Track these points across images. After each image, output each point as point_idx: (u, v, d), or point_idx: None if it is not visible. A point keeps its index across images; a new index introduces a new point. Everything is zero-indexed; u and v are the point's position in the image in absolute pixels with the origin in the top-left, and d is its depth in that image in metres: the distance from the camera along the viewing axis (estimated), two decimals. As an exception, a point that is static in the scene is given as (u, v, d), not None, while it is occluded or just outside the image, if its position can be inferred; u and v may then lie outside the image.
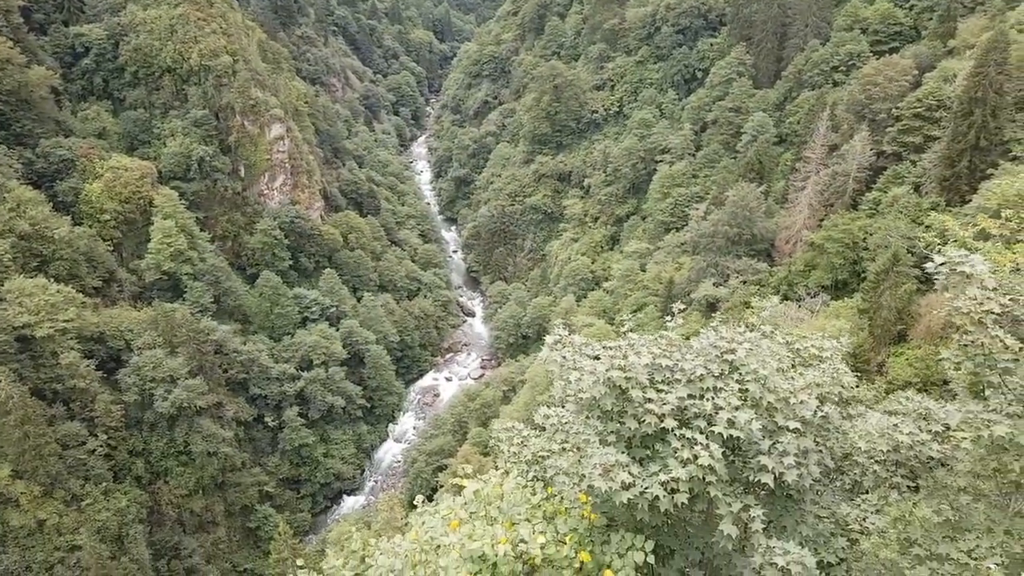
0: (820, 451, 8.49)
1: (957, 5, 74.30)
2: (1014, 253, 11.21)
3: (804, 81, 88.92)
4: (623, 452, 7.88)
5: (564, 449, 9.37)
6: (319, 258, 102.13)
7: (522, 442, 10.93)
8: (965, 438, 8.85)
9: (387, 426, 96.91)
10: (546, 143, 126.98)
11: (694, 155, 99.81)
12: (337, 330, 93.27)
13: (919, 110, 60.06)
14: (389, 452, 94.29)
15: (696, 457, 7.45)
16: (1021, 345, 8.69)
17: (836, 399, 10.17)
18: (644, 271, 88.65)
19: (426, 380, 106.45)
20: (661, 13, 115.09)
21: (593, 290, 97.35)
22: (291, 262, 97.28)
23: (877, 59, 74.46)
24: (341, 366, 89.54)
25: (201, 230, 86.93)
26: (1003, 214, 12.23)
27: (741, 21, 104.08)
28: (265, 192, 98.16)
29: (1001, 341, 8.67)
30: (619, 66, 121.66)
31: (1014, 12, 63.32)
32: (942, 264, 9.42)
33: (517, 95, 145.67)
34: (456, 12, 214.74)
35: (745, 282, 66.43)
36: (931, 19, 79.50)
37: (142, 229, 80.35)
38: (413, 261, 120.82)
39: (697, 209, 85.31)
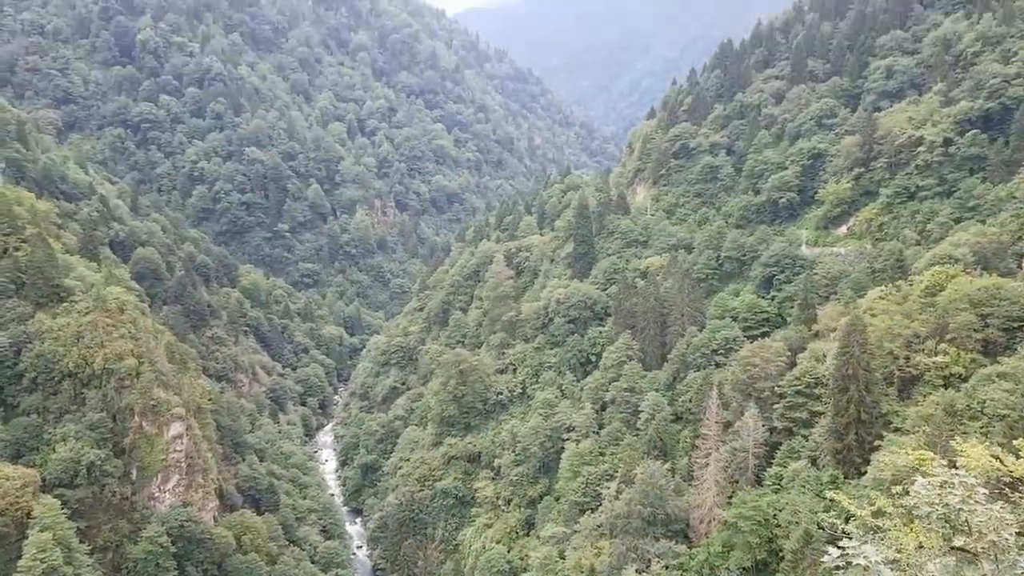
0: None
1: (813, 295, 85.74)
2: (915, 532, 11.83)
3: (689, 363, 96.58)
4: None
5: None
6: (208, 565, 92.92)
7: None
8: None
9: None
10: (454, 424, 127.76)
11: (598, 433, 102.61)
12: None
13: (800, 387, 65.91)
14: None
15: None
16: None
17: None
18: (563, 558, 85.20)
19: None
20: (552, 307, 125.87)
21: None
22: (176, 572, 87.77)
23: (751, 343, 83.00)
24: None
25: (81, 541, 78.52)
26: (893, 490, 12.72)
27: (624, 312, 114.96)
28: (156, 495, 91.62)
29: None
30: (519, 352, 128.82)
31: (864, 299, 73.82)
32: (838, 556, 9.84)
33: (424, 380, 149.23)
34: (366, 310, 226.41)
35: (668, 567, 64.91)
36: (792, 308, 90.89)
37: (15, 544, 71.75)
38: (313, 562, 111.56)
39: (608, 487, 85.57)
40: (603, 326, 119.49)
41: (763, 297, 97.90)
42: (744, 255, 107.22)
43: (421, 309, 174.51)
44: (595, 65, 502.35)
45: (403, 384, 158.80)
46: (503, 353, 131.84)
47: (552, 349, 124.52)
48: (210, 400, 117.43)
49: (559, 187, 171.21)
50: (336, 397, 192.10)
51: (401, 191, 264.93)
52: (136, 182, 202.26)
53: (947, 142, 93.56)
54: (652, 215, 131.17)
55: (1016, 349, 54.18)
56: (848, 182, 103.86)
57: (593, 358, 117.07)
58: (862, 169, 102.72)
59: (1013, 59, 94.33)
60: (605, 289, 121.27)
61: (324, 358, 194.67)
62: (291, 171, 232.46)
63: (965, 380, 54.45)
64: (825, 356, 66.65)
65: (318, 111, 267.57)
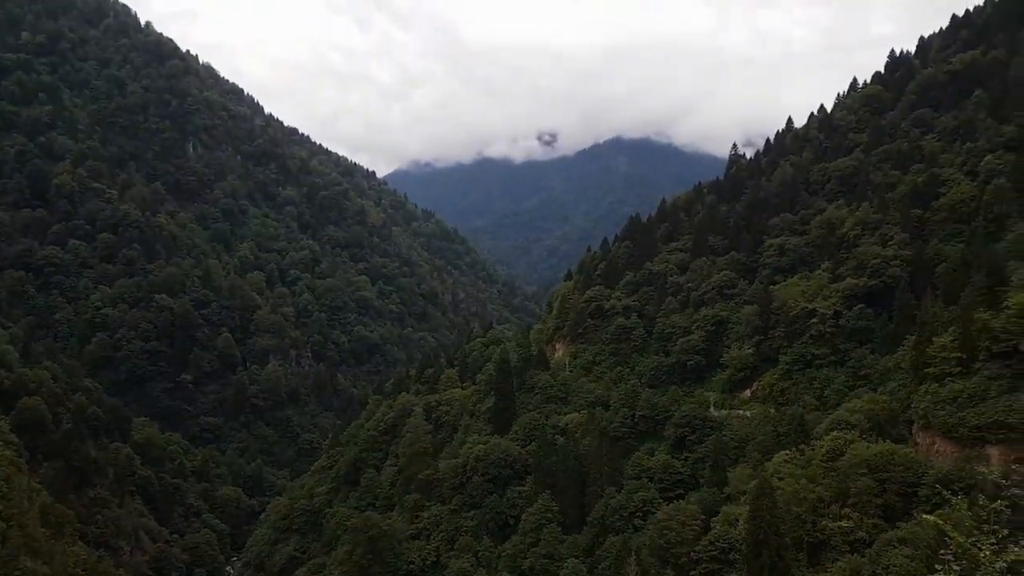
0: None
1: (724, 457, 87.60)
2: None
3: (608, 526, 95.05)
4: None
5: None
6: None
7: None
8: None
9: None
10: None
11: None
12: None
13: (715, 553, 65.63)
14: None
15: None
16: None
17: None
18: None
19: None
20: (471, 464, 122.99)
21: None
22: None
23: (667, 504, 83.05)
24: None
25: None
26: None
27: (543, 471, 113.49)
28: None
29: None
30: (435, 514, 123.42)
31: (771, 462, 75.81)
32: None
33: (329, 548, 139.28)
34: (270, 468, 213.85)
35: None
36: (704, 468, 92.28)
37: None
38: None
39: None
40: (523, 485, 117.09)
41: (676, 458, 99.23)
42: (658, 414, 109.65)
43: (331, 467, 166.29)
44: (518, 229, 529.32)
45: (304, 553, 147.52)
46: (417, 516, 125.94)
47: (470, 511, 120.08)
48: (84, 570, 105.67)
49: (481, 341, 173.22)
50: (228, 568, 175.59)
51: (319, 341, 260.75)
52: (31, 327, 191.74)
53: (837, 315, 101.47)
54: (571, 371, 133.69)
55: (913, 514, 56.36)
56: (749, 348, 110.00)
57: (512, 520, 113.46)
58: (761, 337, 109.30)
59: (890, 243, 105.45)
60: (525, 445, 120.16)
61: (218, 523, 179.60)
62: (202, 319, 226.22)
63: (869, 545, 55.74)
64: (738, 520, 67.20)
65: (237, 260, 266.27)
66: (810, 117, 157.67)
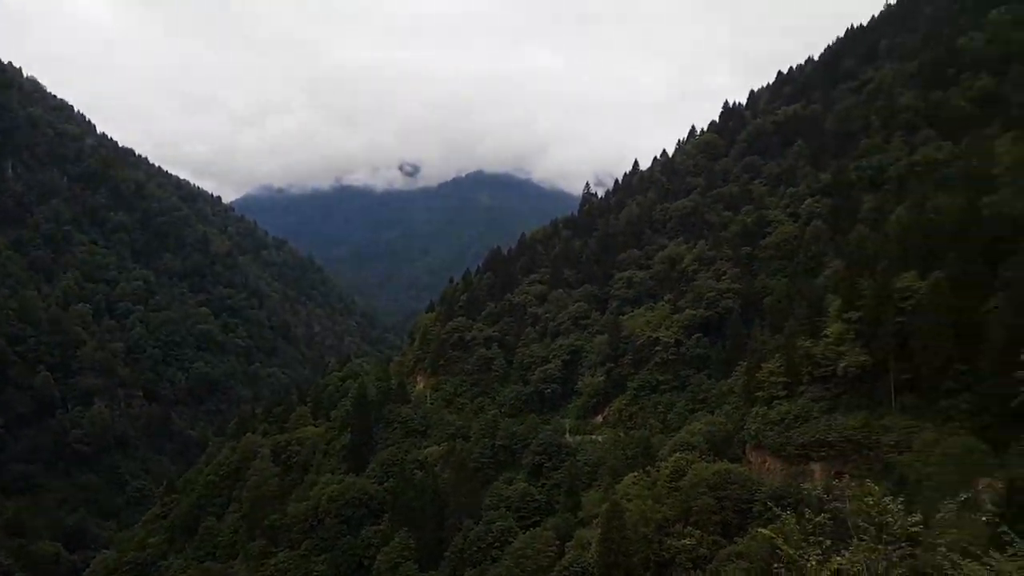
0: None
1: (577, 482, 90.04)
2: None
3: (466, 559, 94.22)
4: None
5: None
6: None
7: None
8: None
9: None
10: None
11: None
12: None
13: (569, 578, 66.81)
14: None
15: None
16: None
17: None
18: None
19: None
20: (324, 505, 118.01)
21: None
22: None
23: (524, 532, 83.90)
24: None
25: None
26: None
27: (401, 508, 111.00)
28: None
29: None
30: (282, 561, 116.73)
31: (620, 485, 78.70)
32: None
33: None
34: (95, 518, 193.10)
35: None
36: (560, 495, 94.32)
37: None
38: None
39: None
40: (379, 524, 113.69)
41: (534, 485, 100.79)
42: (516, 443, 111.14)
43: (165, 516, 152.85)
44: (379, 259, 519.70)
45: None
46: (263, 564, 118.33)
47: (321, 555, 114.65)
48: None
49: (338, 375, 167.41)
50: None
51: (152, 379, 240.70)
52: None
53: (678, 343, 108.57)
54: (432, 404, 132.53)
55: (748, 529, 60.56)
56: (601, 375, 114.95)
57: (367, 561, 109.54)
58: (612, 364, 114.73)
59: (723, 277, 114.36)
60: (383, 483, 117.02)
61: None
62: (17, 356, 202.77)
63: (710, 561, 59.22)
64: (590, 543, 69.08)
65: (60, 291, 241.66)
66: (654, 160, 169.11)
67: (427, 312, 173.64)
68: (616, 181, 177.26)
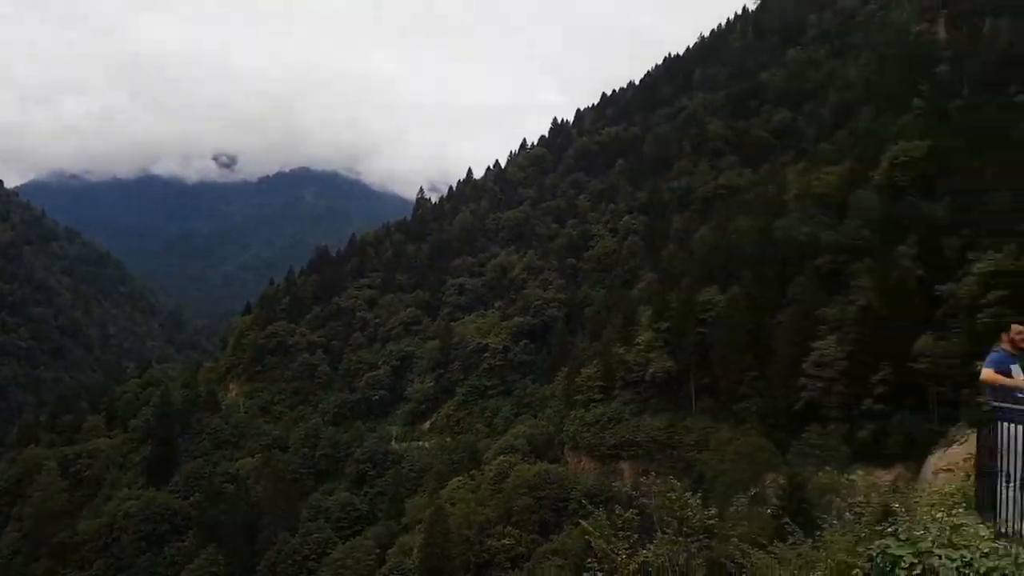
0: None
1: (402, 489, 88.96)
2: None
3: (279, 573, 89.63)
4: None
5: None
6: None
7: None
8: None
9: None
10: None
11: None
12: None
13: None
14: None
15: None
16: None
17: None
18: None
19: None
20: (120, 522, 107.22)
21: None
22: None
23: (344, 543, 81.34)
24: None
25: None
26: None
27: (207, 522, 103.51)
28: None
29: None
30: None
31: (445, 489, 78.76)
32: None
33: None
34: None
35: None
36: (383, 502, 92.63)
37: None
38: None
39: None
40: (183, 540, 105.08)
41: (356, 494, 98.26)
42: (339, 452, 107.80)
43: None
44: (189, 255, 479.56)
45: None
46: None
47: (117, 575, 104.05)
48: None
49: (137, 382, 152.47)
50: None
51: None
52: None
53: (506, 349, 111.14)
54: (245, 413, 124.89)
55: (564, 527, 62.95)
56: (431, 381, 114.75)
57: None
58: (442, 370, 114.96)
59: (550, 286, 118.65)
60: (188, 497, 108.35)
61: None
62: None
63: (528, 559, 60.87)
64: (412, 549, 68.49)
65: None
66: (487, 170, 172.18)
67: (243, 315, 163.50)
68: (450, 187, 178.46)
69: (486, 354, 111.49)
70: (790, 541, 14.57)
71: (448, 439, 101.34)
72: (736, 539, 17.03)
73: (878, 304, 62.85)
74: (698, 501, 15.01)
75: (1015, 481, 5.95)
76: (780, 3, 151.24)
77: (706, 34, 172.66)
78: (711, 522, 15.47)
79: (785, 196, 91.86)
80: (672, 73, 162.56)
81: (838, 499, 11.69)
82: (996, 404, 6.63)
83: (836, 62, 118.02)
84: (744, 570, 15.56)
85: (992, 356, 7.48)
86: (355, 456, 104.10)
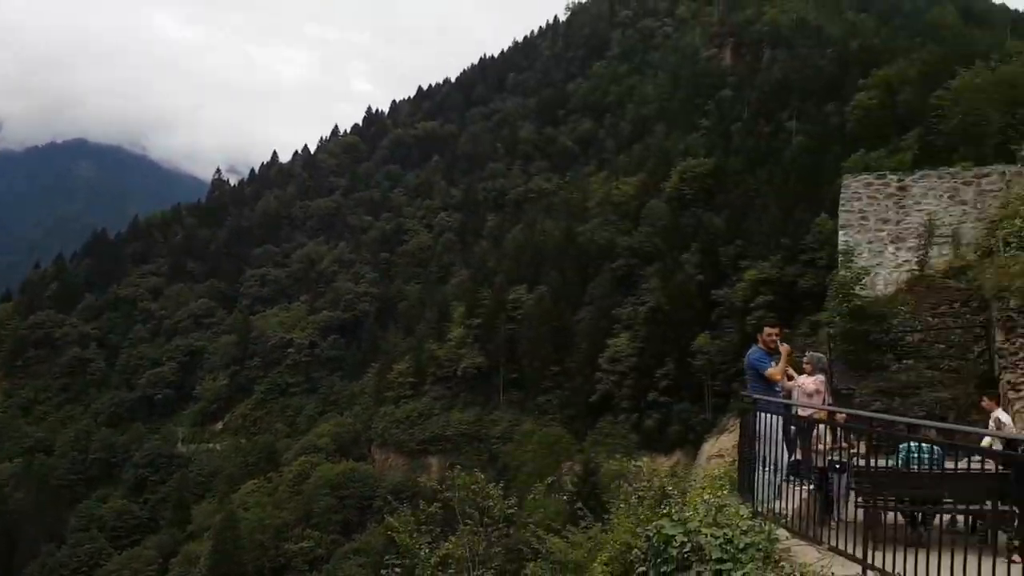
0: None
1: (188, 495, 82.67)
2: None
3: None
4: None
5: None
6: None
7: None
8: None
9: None
10: None
11: None
12: None
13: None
14: None
15: None
16: None
17: None
18: None
19: None
20: None
21: None
22: None
23: (120, 554, 74.12)
24: None
25: None
26: None
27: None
28: None
29: None
30: None
31: (238, 494, 74.28)
32: None
33: None
34: None
35: None
36: (167, 509, 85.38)
37: None
38: None
39: None
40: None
41: (135, 501, 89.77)
42: (115, 456, 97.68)
43: None
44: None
45: None
46: None
47: None
48: None
49: None
50: None
51: None
52: None
53: (312, 345, 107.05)
54: (2, 413, 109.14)
55: (367, 526, 62.14)
56: (224, 379, 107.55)
57: None
58: (238, 367, 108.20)
59: (362, 280, 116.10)
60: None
61: None
62: None
63: (328, 561, 59.34)
64: (199, 557, 64.07)
65: None
66: (295, 154, 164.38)
67: (2, 302, 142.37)
68: (252, 170, 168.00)
69: (290, 349, 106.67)
70: (582, 525, 15.50)
71: (243, 440, 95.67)
72: (533, 526, 17.80)
73: (665, 305, 68.84)
74: (500, 492, 15.50)
75: (769, 465, 6.71)
76: (588, 17, 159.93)
77: (519, 39, 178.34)
78: (511, 511, 16.07)
79: (588, 203, 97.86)
80: (487, 74, 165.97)
81: (625, 484, 12.57)
82: (756, 396, 7.44)
83: (636, 79, 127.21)
84: (540, 555, 16.33)
85: (757, 354, 8.36)
86: (134, 460, 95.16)
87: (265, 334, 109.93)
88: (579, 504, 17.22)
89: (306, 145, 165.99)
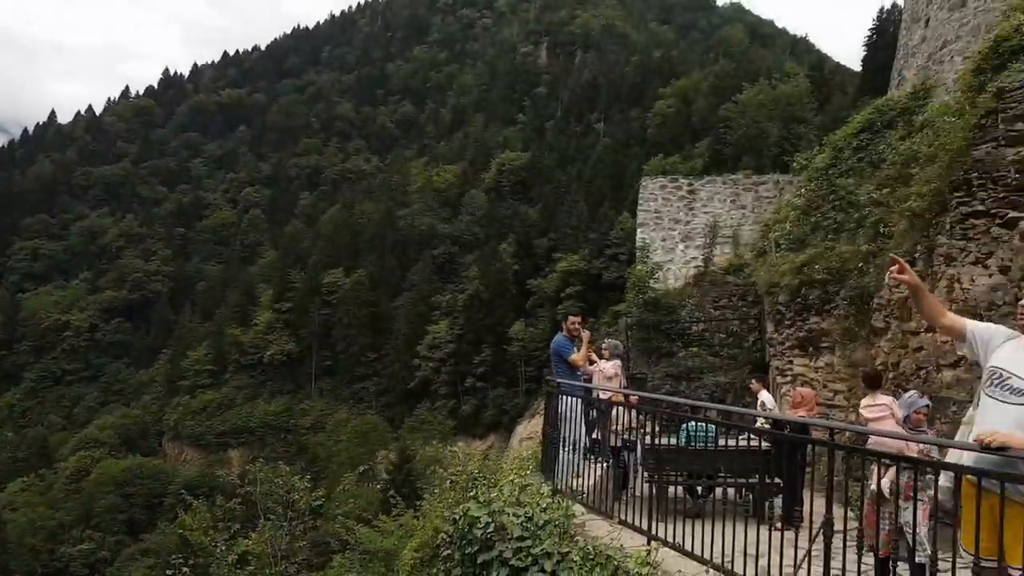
0: None
1: None
2: None
3: None
4: None
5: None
6: None
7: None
8: None
9: None
10: None
11: None
12: None
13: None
14: None
15: None
16: None
17: None
18: None
19: None
20: None
21: None
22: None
23: None
24: None
25: None
26: None
27: None
28: None
29: None
30: None
31: (5, 493, 65.22)
32: None
33: None
34: None
35: None
36: None
37: None
38: None
39: None
40: None
41: None
42: None
43: None
44: None
45: None
46: None
47: None
48: None
49: None
50: None
51: None
52: None
53: (93, 328, 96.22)
54: None
55: (157, 525, 57.38)
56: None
57: None
58: (4, 352, 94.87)
59: (153, 258, 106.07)
60: None
61: None
62: None
63: (112, 563, 54.33)
64: None
65: None
66: (77, 115, 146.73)
67: None
68: (25, 130, 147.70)
69: (67, 332, 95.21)
70: (393, 513, 15.48)
71: (10, 434, 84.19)
72: (342, 517, 17.48)
73: (483, 293, 70.22)
74: (307, 484, 15.04)
75: (568, 445, 7.10)
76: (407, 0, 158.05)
77: (336, 13, 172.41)
78: (318, 503, 15.66)
79: (409, 187, 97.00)
80: (300, 44, 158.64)
81: (440, 469, 12.74)
82: (559, 380, 7.84)
83: (455, 67, 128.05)
84: (348, 546, 16.08)
85: (562, 341, 8.82)
86: None
87: (37, 315, 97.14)
88: (391, 492, 17.22)
89: (90, 106, 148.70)
